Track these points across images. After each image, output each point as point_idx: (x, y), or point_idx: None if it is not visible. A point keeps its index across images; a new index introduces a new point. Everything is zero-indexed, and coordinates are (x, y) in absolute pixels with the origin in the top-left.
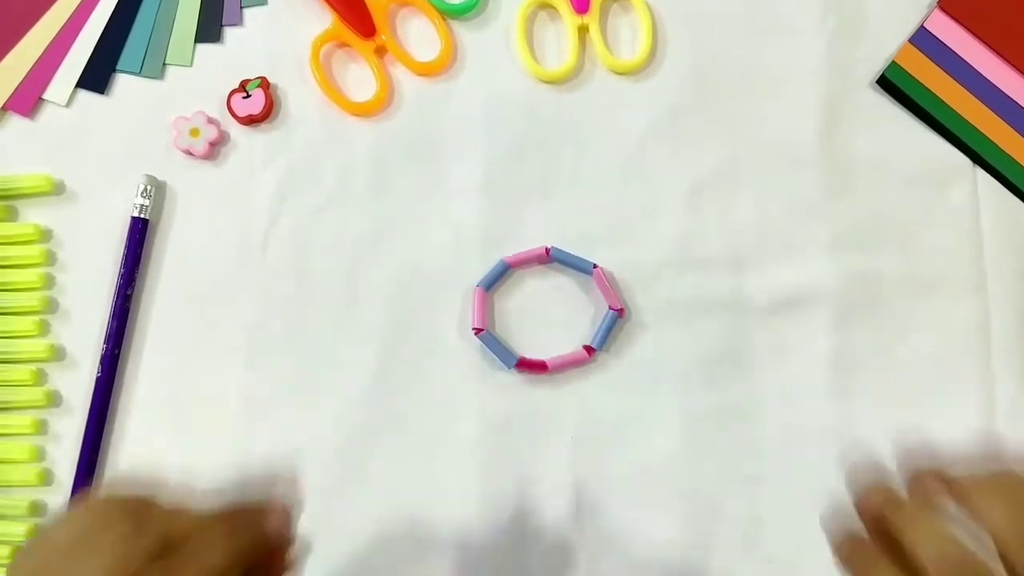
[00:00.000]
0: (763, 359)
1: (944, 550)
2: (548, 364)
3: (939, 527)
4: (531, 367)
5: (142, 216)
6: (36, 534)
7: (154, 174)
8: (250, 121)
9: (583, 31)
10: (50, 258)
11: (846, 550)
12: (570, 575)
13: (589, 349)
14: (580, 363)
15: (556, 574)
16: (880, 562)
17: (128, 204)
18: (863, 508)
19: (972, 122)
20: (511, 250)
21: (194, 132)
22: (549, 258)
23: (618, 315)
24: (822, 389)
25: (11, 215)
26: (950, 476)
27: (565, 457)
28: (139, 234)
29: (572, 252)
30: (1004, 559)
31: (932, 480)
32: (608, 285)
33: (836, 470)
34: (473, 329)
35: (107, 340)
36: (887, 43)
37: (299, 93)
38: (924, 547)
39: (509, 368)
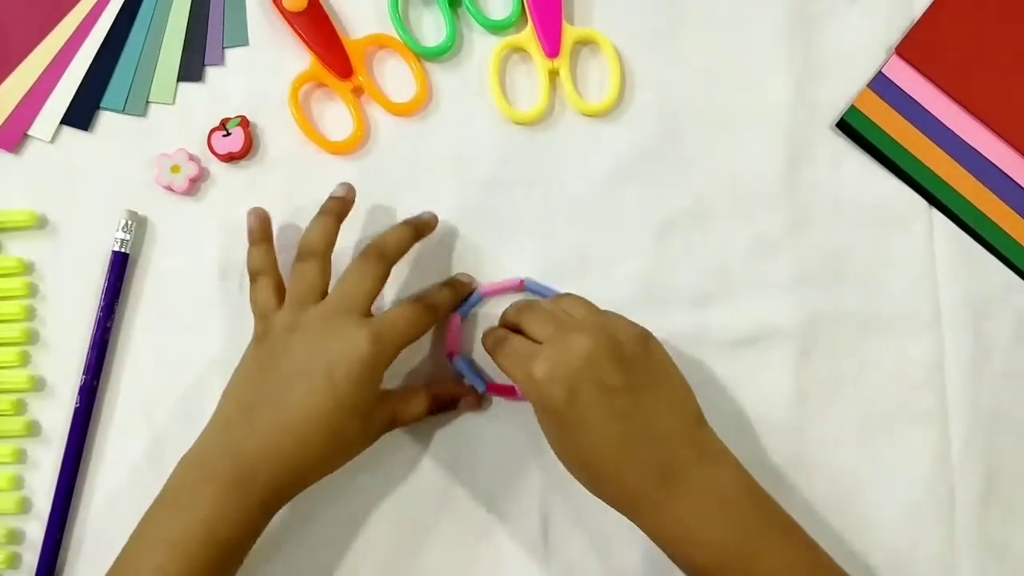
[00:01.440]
0: (725, 394)
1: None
2: (517, 389)
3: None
4: (500, 392)
5: (122, 250)
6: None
7: (135, 209)
8: (230, 158)
9: (554, 74)
10: (32, 290)
11: (490, 338)
12: None
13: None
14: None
15: None
16: (510, 335)
17: (109, 238)
18: (501, 323)
19: (928, 165)
20: (485, 281)
21: (175, 169)
22: (523, 288)
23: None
24: (782, 423)
25: None
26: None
27: (536, 482)
28: (119, 268)
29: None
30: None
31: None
32: None
33: (793, 502)
34: (447, 354)
35: (86, 371)
36: (849, 86)
37: (278, 131)
38: (529, 326)
39: (481, 392)
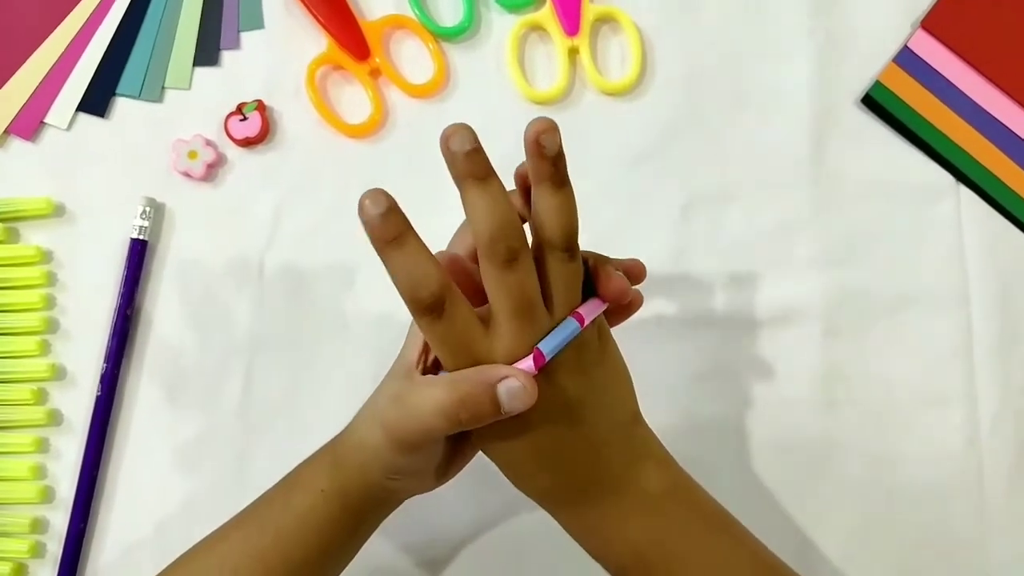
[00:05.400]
0: (751, 373)
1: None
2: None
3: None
4: None
5: (141, 237)
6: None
7: (153, 196)
8: (247, 143)
9: (573, 53)
10: (51, 279)
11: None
12: None
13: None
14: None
15: None
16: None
17: (127, 225)
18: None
19: (955, 140)
20: None
21: (192, 154)
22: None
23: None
24: (809, 402)
25: (12, 237)
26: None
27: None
28: (138, 255)
29: None
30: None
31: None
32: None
33: (824, 482)
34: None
35: (107, 359)
36: (874, 61)
37: (295, 115)
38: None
39: None
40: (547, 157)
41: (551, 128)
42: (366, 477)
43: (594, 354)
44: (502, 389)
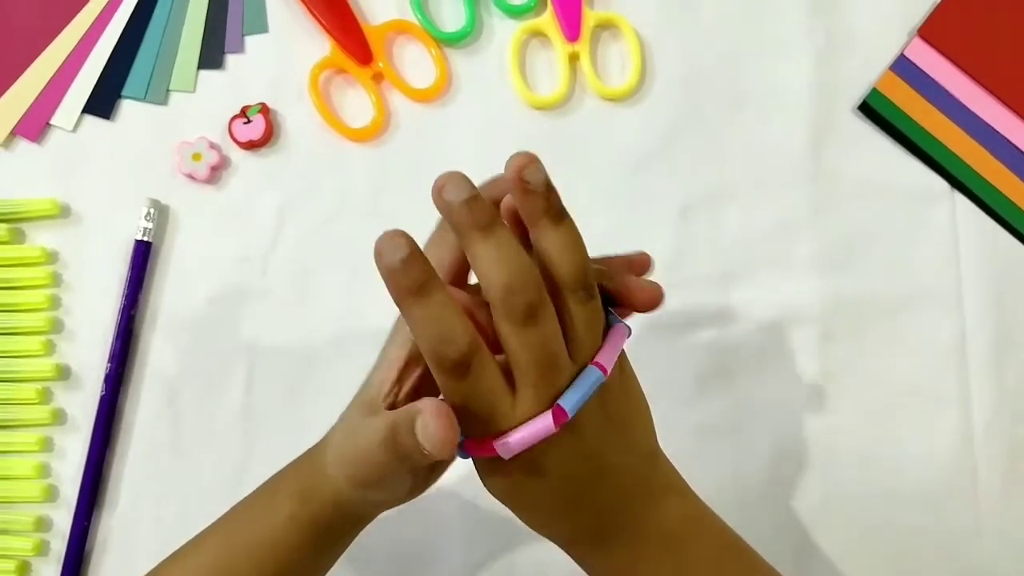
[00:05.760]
0: (750, 374)
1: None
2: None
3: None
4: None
5: (145, 239)
6: None
7: (157, 198)
8: (251, 146)
9: (574, 58)
10: (56, 279)
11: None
12: None
13: (559, 413)
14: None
15: None
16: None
17: (132, 227)
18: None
19: (950, 147)
20: None
21: (196, 156)
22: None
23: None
24: (806, 403)
25: (18, 238)
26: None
27: None
28: (142, 257)
29: None
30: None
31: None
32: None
33: (821, 482)
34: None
35: (111, 359)
36: (871, 67)
37: (298, 118)
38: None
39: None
40: (536, 192)
41: (532, 161)
42: (339, 497)
43: (615, 393)
44: (418, 427)
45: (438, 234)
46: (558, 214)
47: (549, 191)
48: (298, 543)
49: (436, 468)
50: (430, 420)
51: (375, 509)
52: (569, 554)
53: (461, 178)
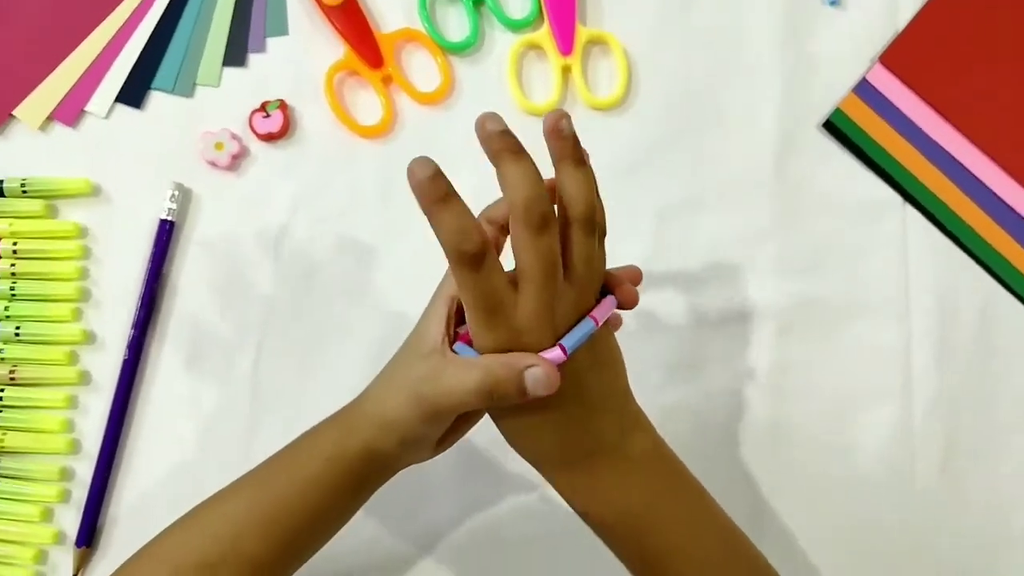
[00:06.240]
0: (714, 365)
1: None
2: None
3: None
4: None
5: (169, 219)
6: None
7: (181, 181)
8: (269, 138)
9: (566, 71)
10: (86, 253)
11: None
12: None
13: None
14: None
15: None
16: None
17: (157, 207)
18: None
19: (904, 165)
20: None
21: (219, 146)
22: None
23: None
24: (763, 393)
25: (52, 213)
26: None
27: None
28: (166, 234)
29: None
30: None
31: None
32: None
33: (773, 463)
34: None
35: (134, 327)
36: (836, 89)
37: (314, 115)
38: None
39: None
40: (567, 138)
41: (566, 115)
42: (376, 445)
43: (600, 343)
44: (528, 377)
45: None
46: (580, 159)
47: (576, 140)
48: (332, 486)
49: (459, 429)
50: (544, 367)
51: (401, 462)
52: (545, 473)
53: (498, 116)
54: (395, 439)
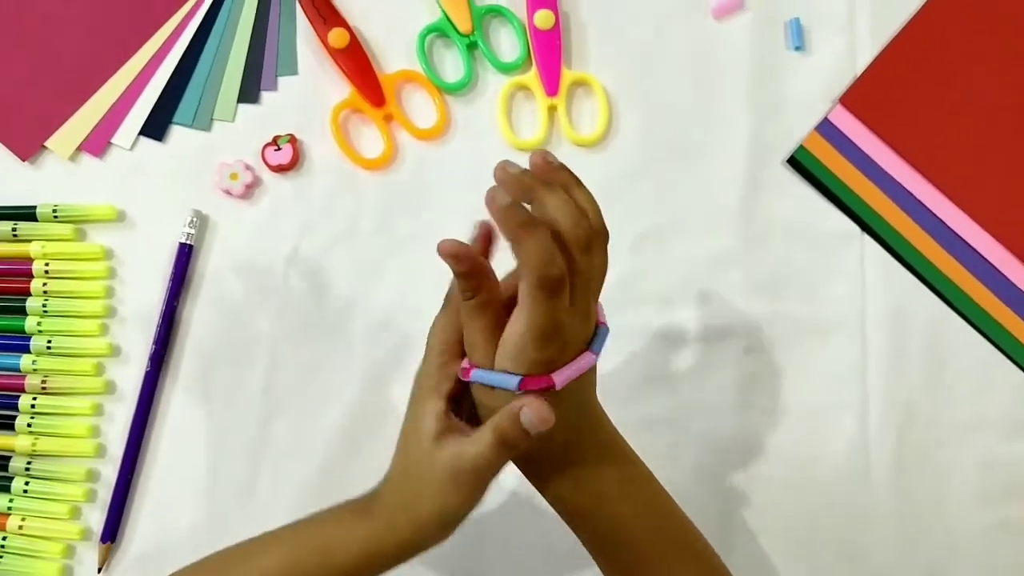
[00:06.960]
0: (684, 379)
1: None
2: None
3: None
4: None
5: (188, 242)
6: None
7: (199, 209)
8: (280, 169)
9: (552, 110)
10: (111, 273)
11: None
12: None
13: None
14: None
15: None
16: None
17: (177, 232)
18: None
19: (863, 198)
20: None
21: (233, 176)
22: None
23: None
24: (730, 406)
25: (81, 237)
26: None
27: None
28: (185, 257)
29: None
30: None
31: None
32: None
33: (739, 471)
34: (462, 370)
35: (155, 342)
36: (800, 127)
37: (321, 148)
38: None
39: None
40: (560, 168)
41: (547, 152)
42: (417, 538)
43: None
44: (523, 418)
45: (443, 314)
46: (578, 181)
47: (566, 167)
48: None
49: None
50: (531, 405)
51: (412, 554)
52: (521, 467)
53: (504, 184)
54: (450, 529)
